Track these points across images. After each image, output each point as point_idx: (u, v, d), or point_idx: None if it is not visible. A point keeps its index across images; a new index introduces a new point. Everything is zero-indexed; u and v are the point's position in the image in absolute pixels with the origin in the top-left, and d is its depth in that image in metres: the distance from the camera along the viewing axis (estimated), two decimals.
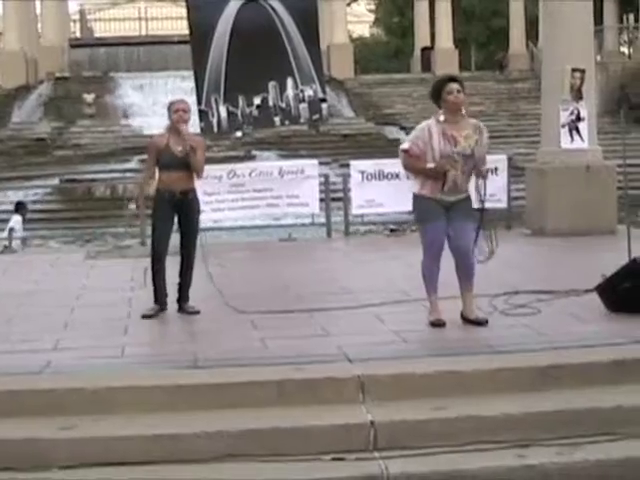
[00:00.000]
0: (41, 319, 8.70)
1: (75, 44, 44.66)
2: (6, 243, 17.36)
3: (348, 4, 47.84)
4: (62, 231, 21.14)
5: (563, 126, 14.01)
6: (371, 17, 59.42)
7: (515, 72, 40.47)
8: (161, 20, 49.71)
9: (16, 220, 18.50)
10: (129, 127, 33.49)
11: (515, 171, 16.10)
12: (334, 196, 15.79)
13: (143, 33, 47.95)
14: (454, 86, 7.68)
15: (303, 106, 14.02)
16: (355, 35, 53.56)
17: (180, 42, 34.01)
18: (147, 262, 9.10)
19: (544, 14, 15.69)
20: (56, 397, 6.18)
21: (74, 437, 5.81)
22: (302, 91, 13.90)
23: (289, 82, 13.82)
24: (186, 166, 8.67)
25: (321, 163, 17.74)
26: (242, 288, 9.98)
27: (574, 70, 13.92)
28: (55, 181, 27.13)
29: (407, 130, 32.71)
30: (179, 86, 32.02)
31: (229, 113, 13.72)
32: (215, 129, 13.95)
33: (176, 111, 8.71)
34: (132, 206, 8.48)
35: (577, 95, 13.99)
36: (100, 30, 53.14)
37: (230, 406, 6.12)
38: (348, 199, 15.55)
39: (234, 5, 13.65)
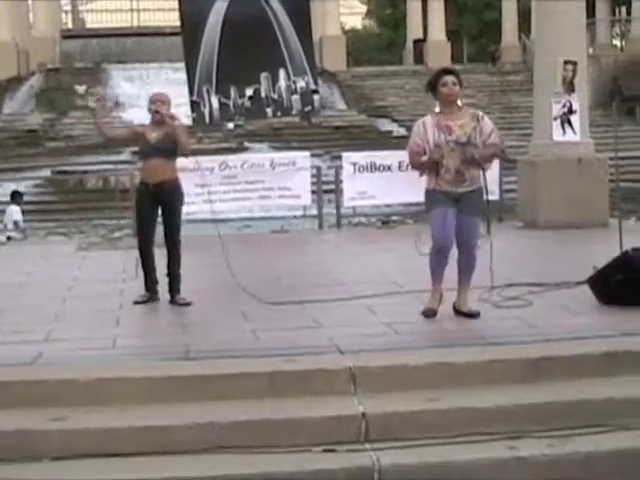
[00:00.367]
0: (33, 310, 8.69)
1: (67, 35, 44.55)
2: (10, 234, 17.38)
3: None
4: (54, 223, 21.12)
5: (555, 119, 14.02)
6: (363, 9, 59.34)
7: (507, 65, 40.49)
8: (153, 11, 49.53)
9: (16, 211, 18.47)
10: (120, 119, 33.40)
11: (507, 164, 16.10)
12: (326, 188, 15.79)
13: (135, 24, 47.81)
14: (449, 78, 7.71)
15: (295, 97, 13.98)
16: (347, 27, 53.47)
17: (172, 34, 33.89)
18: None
19: (536, 6, 15.68)
20: (47, 388, 6.17)
21: (65, 428, 5.81)
22: (294, 82, 13.87)
23: (281, 73, 13.78)
24: (162, 153, 8.74)
25: (313, 155, 17.76)
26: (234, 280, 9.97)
27: (566, 62, 13.92)
28: (47, 172, 27.11)
29: (399, 122, 32.82)
30: (171, 77, 31.93)
31: (221, 104, 13.68)
32: (207, 120, 13.91)
33: (154, 102, 8.90)
34: (82, 88, 8.58)
35: (569, 88, 13.99)
36: (92, 21, 52.92)
37: (221, 397, 6.11)
38: (340, 191, 15.56)
39: None
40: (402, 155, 12.38)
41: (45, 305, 8.93)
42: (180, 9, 14.04)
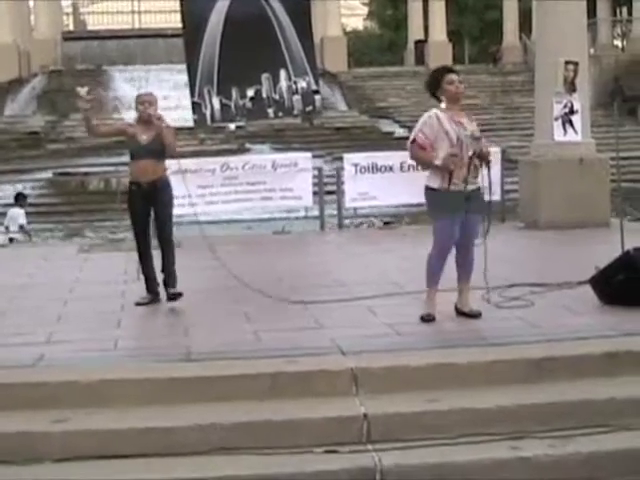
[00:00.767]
0: (34, 312, 8.69)
1: (68, 37, 44.57)
2: (12, 236, 17.35)
3: None
4: (55, 224, 21.12)
5: (556, 119, 14.01)
6: (365, 10, 59.35)
7: (509, 65, 40.48)
8: (154, 13, 49.56)
9: (22, 214, 18.34)
10: (122, 120, 33.36)
11: (509, 164, 16.12)
12: (327, 189, 15.79)
13: (136, 26, 47.88)
14: (454, 77, 7.65)
15: (296, 98, 14.01)
16: (349, 28, 53.49)
17: (173, 35, 33.94)
18: None
19: (538, 7, 15.67)
20: (49, 390, 6.17)
21: (67, 430, 5.80)
22: (295, 83, 13.90)
23: (282, 74, 13.81)
24: (151, 154, 8.77)
25: (314, 156, 17.73)
26: (235, 281, 9.95)
27: (567, 63, 13.92)
28: (48, 174, 27.08)
29: (401, 123, 32.81)
30: (172, 79, 31.92)
31: (222, 105, 13.71)
32: (208, 121, 13.96)
33: (142, 103, 8.92)
34: (83, 90, 8.55)
35: (570, 88, 13.98)
36: (93, 23, 52.95)
37: (223, 399, 6.11)
38: (341, 192, 15.55)
39: None
40: (403, 156, 12.36)
41: (47, 307, 8.93)
42: (182, 10, 14.08)
